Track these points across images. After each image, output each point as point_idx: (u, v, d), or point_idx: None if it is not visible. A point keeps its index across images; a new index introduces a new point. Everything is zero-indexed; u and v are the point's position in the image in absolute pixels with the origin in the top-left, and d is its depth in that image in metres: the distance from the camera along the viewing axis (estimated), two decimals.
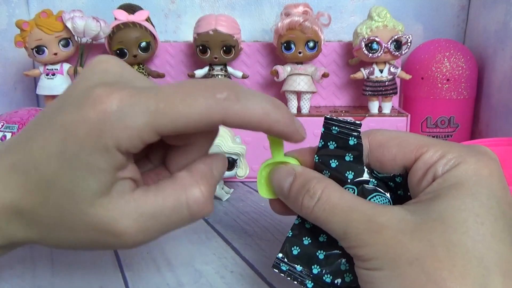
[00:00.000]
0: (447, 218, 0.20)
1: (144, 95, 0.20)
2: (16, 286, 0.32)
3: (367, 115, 0.55)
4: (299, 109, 0.56)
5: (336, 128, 0.25)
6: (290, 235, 0.26)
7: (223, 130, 0.47)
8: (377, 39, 0.52)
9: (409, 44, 0.54)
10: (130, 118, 0.19)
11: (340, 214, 0.22)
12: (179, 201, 0.21)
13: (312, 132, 0.54)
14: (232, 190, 0.49)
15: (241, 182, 0.53)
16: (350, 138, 0.24)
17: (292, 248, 0.25)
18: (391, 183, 0.25)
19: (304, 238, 0.25)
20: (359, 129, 0.24)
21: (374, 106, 0.57)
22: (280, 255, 0.25)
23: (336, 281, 0.24)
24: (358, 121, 0.25)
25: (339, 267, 0.24)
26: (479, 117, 0.62)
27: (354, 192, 0.25)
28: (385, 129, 0.26)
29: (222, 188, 0.48)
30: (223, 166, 0.25)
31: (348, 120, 0.24)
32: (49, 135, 0.20)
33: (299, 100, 0.56)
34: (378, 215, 0.21)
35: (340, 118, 0.25)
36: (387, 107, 0.56)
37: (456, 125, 0.60)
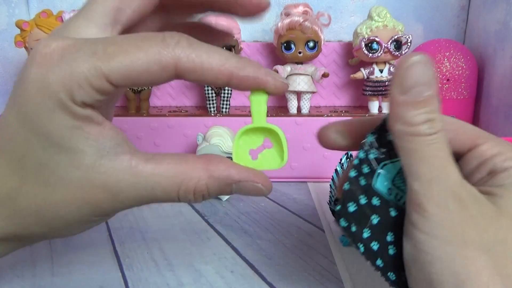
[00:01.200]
0: None
1: (90, 41, 0.19)
2: (16, 286, 0.32)
3: (367, 115, 0.55)
4: (299, 109, 0.56)
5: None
6: (346, 188, 0.23)
7: (223, 130, 0.47)
8: (377, 39, 0.52)
9: (409, 44, 0.54)
10: (75, 64, 0.18)
11: (441, 159, 0.20)
12: (175, 183, 0.21)
13: (312, 132, 0.54)
14: None
15: None
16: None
17: (349, 204, 0.23)
18: None
19: (360, 196, 0.23)
20: None
21: (374, 106, 0.57)
22: (339, 207, 0.23)
23: (381, 251, 0.22)
24: None
25: (386, 238, 0.23)
26: (479, 117, 0.62)
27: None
28: (443, 115, 0.25)
29: None
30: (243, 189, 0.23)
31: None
32: (10, 111, 0.20)
33: (299, 100, 0.56)
34: (467, 184, 0.20)
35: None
36: (387, 107, 0.56)
37: None
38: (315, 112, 0.56)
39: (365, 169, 0.23)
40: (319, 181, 0.54)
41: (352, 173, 0.23)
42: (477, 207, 0.19)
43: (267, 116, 0.23)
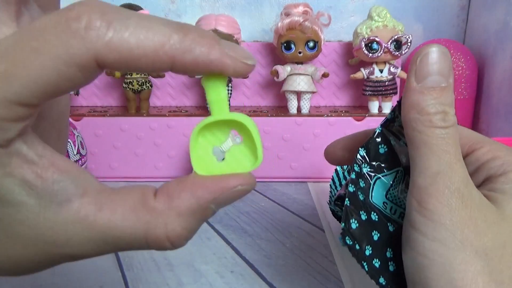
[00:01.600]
0: None
1: None
2: (16, 285, 0.32)
3: (367, 115, 0.55)
4: (299, 109, 0.56)
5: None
6: (348, 204, 0.22)
7: None
8: (377, 39, 0.52)
9: (409, 44, 0.54)
10: None
11: (450, 155, 0.19)
12: (138, 236, 0.16)
13: (312, 132, 0.54)
14: None
15: None
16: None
17: (352, 221, 0.22)
18: None
19: (361, 212, 0.22)
20: None
21: (374, 106, 0.57)
22: (343, 224, 0.22)
23: (382, 268, 0.22)
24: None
25: (386, 254, 0.22)
26: (479, 117, 0.62)
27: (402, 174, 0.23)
28: None
29: None
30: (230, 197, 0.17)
31: None
32: None
33: (299, 100, 0.56)
34: (472, 185, 0.19)
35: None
36: (387, 107, 0.56)
37: None
38: (315, 112, 0.56)
39: (362, 184, 0.23)
40: (319, 181, 0.54)
41: (351, 188, 0.23)
42: (479, 209, 0.19)
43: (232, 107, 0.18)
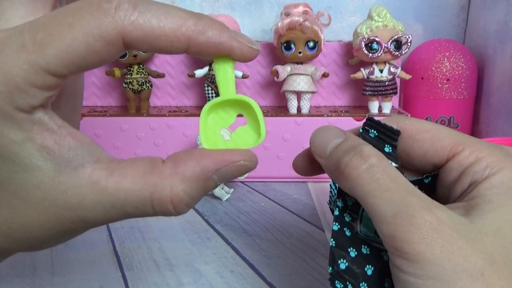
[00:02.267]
0: (508, 232, 0.18)
1: (15, 31, 0.16)
2: (16, 285, 0.32)
3: (367, 115, 0.55)
4: (299, 109, 0.56)
5: (375, 131, 0.22)
6: (333, 245, 0.21)
7: None
8: (377, 39, 0.52)
9: (409, 44, 0.54)
10: (5, 65, 0.16)
11: (395, 191, 0.18)
12: (145, 198, 0.18)
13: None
14: (232, 190, 0.49)
15: (241, 182, 0.53)
16: (386, 146, 0.22)
17: (340, 262, 0.21)
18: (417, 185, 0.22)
19: (349, 249, 0.21)
20: (397, 138, 0.22)
21: (374, 106, 0.57)
22: (330, 269, 0.21)
23: None
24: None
25: (384, 285, 0.21)
26: (479, 117, 0.62)
27: None
28: (414, 118, 0.23)
29: (222, 188, 0.48)
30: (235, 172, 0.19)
31: (388, 126, 0.22)
32: None
33: (299, 100, 0.56)
34: (436, 208, 0.18)
35: (382, 121, 0.22)
36: (387, 107, 0.56)
37: (456, 125, 0.60)
38: (315, 112, 0.56)
39: (347, 218, 0.22)
40: (319, 181, 0.54)
41: (335, 227, 0.22)
42: (455, 229, 0.17)
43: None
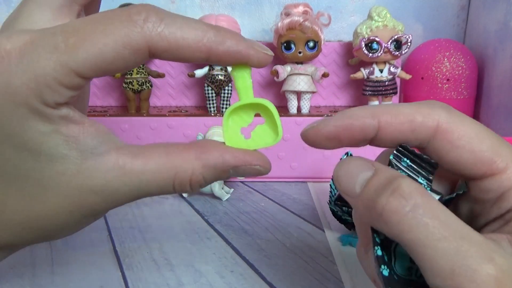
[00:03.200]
0: None
1: (48, 33, 0.17)
2: (16, 285, 0.32)
3: None
4: (299, 109, 0.56)
5: (408, 160, 0.19)
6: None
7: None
8: (377, 39, 0.52)
9: (409, 44, 0.54)
10: (37, 64, 0.17)
11: (450, 241, 0.15)
12: (169, 178, 0.20)
13: None
14: (232, 190, 0.49)
15: (241, 182, 0.53)
16: (420, 178, 0.19)
17: None
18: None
19: None
20: (434, 172, 0.19)
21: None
22: None
23: None
24: (434, 161, 0.19)
25: None
26: (479, 117, 0.62)
27: None
28: (455, 112, 0.19)
29: (222, 188, 0.48)
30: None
31: (425, 158, 0.19)
32: None
33: (299, 100, 0.56)
34: (497, 256, 0.15)
35: (417, 151, 0.19)
36: None
37: None
38: (315, 112, 0.56)
39: (386, 257, 0.18)
40: (319, 181, 0.54)
41: (385, 272, 0.18)
42: (507, 272, 0.15)
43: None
